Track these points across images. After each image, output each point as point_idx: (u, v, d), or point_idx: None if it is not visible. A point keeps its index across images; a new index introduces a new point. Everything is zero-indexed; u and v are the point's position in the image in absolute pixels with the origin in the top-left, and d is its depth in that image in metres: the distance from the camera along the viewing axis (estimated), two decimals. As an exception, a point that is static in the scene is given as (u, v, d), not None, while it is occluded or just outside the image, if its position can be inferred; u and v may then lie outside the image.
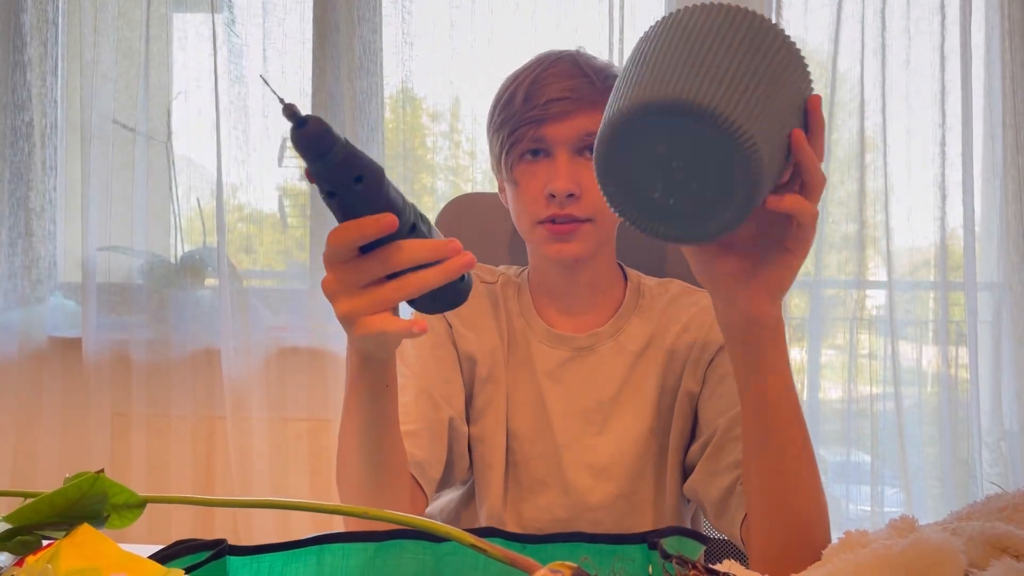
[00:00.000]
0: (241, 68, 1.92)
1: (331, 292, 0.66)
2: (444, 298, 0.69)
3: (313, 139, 0.59)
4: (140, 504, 0.63)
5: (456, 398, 1.04)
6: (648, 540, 0.60)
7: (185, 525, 1.88)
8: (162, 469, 1.92)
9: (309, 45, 1.93)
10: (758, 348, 0.77)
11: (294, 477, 1.91)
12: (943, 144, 1.84)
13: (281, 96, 0.60)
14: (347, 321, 0.66)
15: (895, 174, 1.87)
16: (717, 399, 1.00)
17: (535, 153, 1.00)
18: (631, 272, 1.13)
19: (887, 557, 0.67)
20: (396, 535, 0.62)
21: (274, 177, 2.02)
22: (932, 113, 1.86)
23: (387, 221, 0.61)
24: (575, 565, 0.53)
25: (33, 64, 1.94)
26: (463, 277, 0.68)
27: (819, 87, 1.91)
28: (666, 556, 0.57)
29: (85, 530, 0.57)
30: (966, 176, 1.84)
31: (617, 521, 1.03)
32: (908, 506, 1.86)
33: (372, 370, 0.75)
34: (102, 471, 0.60)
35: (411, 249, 0.63)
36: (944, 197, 1.85)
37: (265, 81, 0.63)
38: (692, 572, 0.54)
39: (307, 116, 0.59)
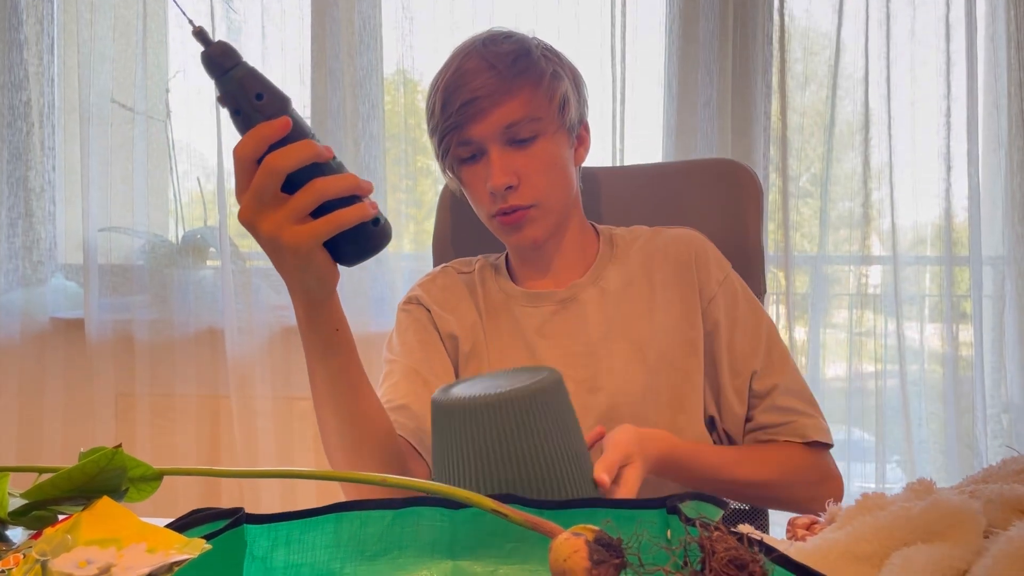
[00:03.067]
0: (240, 44, 1.89)
1: (248, 218, 0.69)
2: (364, 242, 0.71)
3: (217, 56, 0.65)
4: (157, 477, 0.63)
5: (446, 374, 1.07)
6: (667, 505, 0.60)
7: (192, 501, 1.88)
8: (167, 449, 1.92)
9: (308, 21, 1.91)
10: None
11: (299, 455, 1.91)
12: (948, 115, 1.83)
13: (191, 19, 0.63)
14: (273, 240, 0.69)
15: (899, 146, 1.85)
16: (741, 336, 1.06)
17: (472, 156, 1.03)
18: (601, 227, 1.16)
19: (906, 519, 0.66)
20: (413, 502, 0.62)
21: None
22: (937, 84, 1.84)
23: (281, 123, 0.65)
24: (597, 528, 0.52)
25: (29, 43, 1.91)
26: (377, 220, 0.71)
27: (823, 58, 1.89)
28: (688, 521, 0.57)
29: (105, 503, 0.57)
30: (971, 147, 1.82)
31: None
32: (911, 477, 1.86)
33: (318, 315, 0.77)
34: (119, 446, 0.60)
35: (330, 182, 0.67)
36: (949, 169, 1.84)
37: (176, 3, 0.67)
38: (715, 534, 0.54)
39: (217, 40, 0.65)
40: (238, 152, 0.67)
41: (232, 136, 1.88)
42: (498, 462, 0.70)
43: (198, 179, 1.99)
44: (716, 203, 1.23)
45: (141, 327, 1.89)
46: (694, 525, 0.56)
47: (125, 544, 0.54)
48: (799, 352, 1.88)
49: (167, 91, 1.96)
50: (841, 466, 1.96)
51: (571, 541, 0.51)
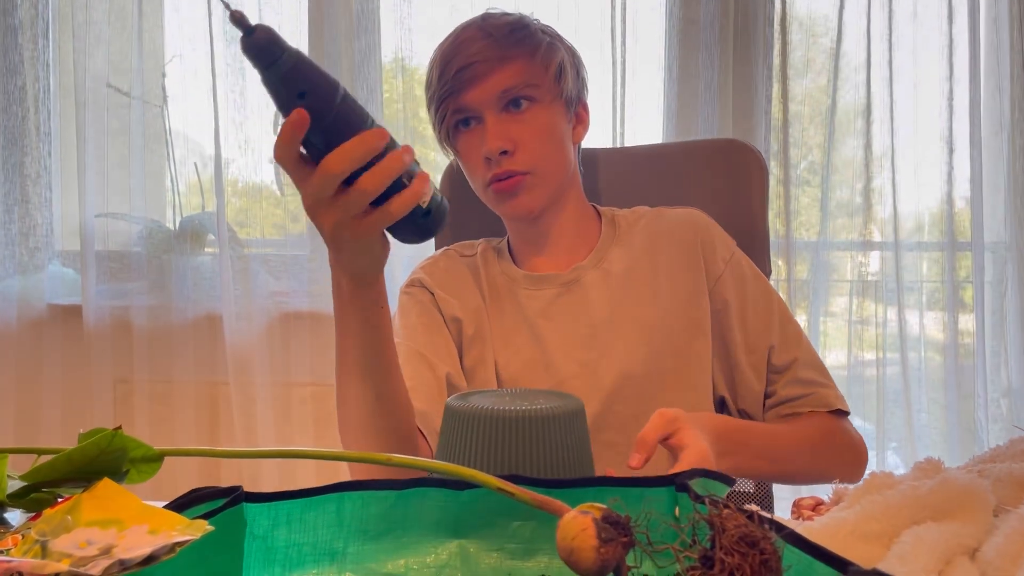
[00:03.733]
0: (236, 29, 1.87)
1: (310, 214, 0.71)
2: (420, 225, 0.72)
3: (258, 46, 0.62)
4: (158, 458, 0.62)
5: (450, 356, 1.07)
6: (676, 482, 0.59)
7: (191, 484, 1.87)
8: (166, 436, 1.91)
9: (305, 4, 1.89)
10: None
11: (299, 441, 1.90)
12: (950, 98, 1.82)
13: (227, 1, 0.61)
14: (336, 237, 0.71)
15: (901, 130, 1.84)
16: (753, 313, 1.06)
17: (467, 123, 1.04)
18: (603, 209, 1.16)
19: (914, 498, 0.66)
20: (418, 483, 0.61)
21: (271, 144, 1.98)
22: (939, 66, 1.83)
23: (373, 141, 0.66)
24: (604, 507, 0.52)
25: (24, 27, 1.90)
26: (429, 211, 0.71)
27: (825, 40, 1.88)
28: (697, 498, 0.56)
29: (106, 484, 0.56)
30: (974, 130, 1.81)
31: (630, 440, 1.04)
32: (910, 460, 1.85)
33: (364, 292, 0.78)
34: (119, 428, 0.59)
35: (376, 178, 0.67)
36: (951, 152, 1.83)
37: None
38: (725, 511, 0.53)
39: (256, 25, 0.59)
40: (279, 155, 0.69)
41: (228, 122, 1.87)
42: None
43: (195, 164, 1.97)
44: (720, 184, 1.22)
45: (139, 313, 1.88)
46: (703, 502, 0.56)
47: (126, 525, 0.53)
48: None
49: (163, 76, 1.94)
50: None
51: (578, 519, 0.50)
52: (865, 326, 1.92)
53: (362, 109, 0.68)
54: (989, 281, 1.88)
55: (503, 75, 1.00)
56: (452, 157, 1.13)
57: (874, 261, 1.91)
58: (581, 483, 0.58)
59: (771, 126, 1.86)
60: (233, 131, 1.88)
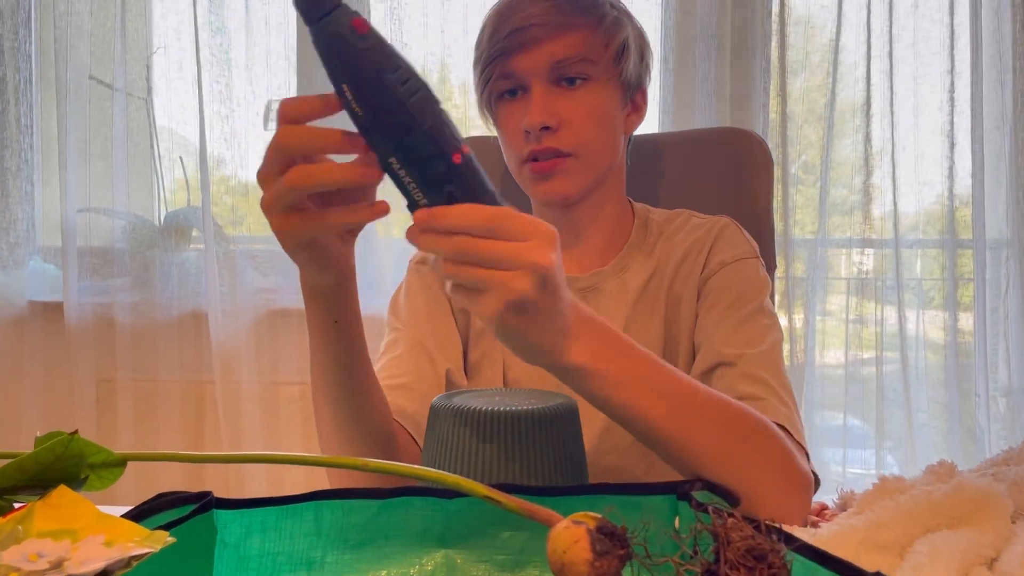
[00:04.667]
0: (222, 18, 1.83)
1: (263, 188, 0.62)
2: None
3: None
4: (120, 463, 0.58)
5: (452, 351, 1.00)
6: (678, 491, 0.56)
7: (175, 486, 1.83)
8: (150, 436, 1.87)
9: (293, -6, 1.85)
10: (594, 391, 0.65)
11: (286, 441, 1.86)
12: (952, 91, 1.79)
13: None
14: (275, 229, 0.62)
15: (902, 124, 1.81)
16: (704, 326, 0.96)
17: (512, 92, 0.95)
18: (639, 207, 1.07)
19: (928, 503, 0.62)
20: (402, 492, 0.58)
21: (260, 137, 1.94)
22: (941, 59, 1.80)
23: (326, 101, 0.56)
24: (599, 516, 0.48)
25: (4, 17, 1.85)
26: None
27: (824, 31, 1.85)
28: (699, 507, 0.53)
29: (61, 492, 0.53)
30: (975, 124, 1.78)
31: (632, 465, 0.98)
32: (912, 466, 1.83)
33: (318, 302, 0.71)
34: (76, 432, 0.55)
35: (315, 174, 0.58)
36: (952, 146, 1.80)
37: None
38: (730, 521, 0.50)
39: None
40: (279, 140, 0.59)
41: (214, 115, 1.82)
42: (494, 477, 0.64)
43: (180, 158, 1.93)
44: (724, 174, 1.17)
45: (122, 311, 1.84)
46: (706, 511, 0.52)
47: (81, 536, 0.49)
48: (797, 337, 1.83)
49: (148, 67, 1.90)
50: (837, 453, 1.95)
51: (571, 530, 0.47)
52: (863, 325, 1.89)
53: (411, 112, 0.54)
54: (990, 278, 1.85)
55: (559, 44, 0.91)
56: (491, 127, 1.03)
57: (873, 258, 1.88)
58: (574, 491, 0.54)
59: (768, 120, 1.82)
60: (219, 124, 1.84)
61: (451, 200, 0.55)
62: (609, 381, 0.63)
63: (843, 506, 0.76)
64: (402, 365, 0.95)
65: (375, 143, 0.55)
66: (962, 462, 1.83)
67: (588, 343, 0.62)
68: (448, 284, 0.59)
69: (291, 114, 0.58)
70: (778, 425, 0.78)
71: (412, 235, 0.57)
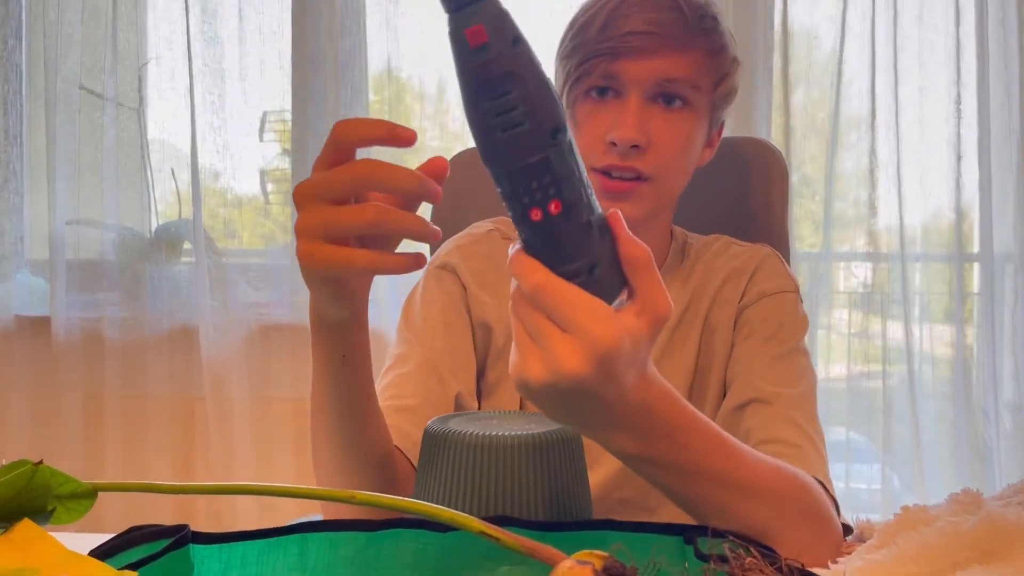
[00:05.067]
0: (215, 28, 1.80)
1: (296, 199, 0.58)
2: None
3: None
4: (89, 494, 0.54)
5: (466, 371, 0.94)
6: (684, 535, 0.52)
7: (164, 512, 1.79)
8: (139, 454, 1.83)
9: (288, 2, 1.82)
10: (641, 472, 0.60)
11: (279, 459, 1.82)
12: (958, 102, 1.76)
13: None
14: (298, 244, 0.58)
15: (907, 135, 1.78)
16: (739, 358, 0.92)
17: (603, 92, 0.88)
18: (677, 231, 1.02)
19: (955, 536, 0.58)
20: (393, 524, 0.54)
21: (253, 149, 1.91)
22: (947, 70, 1.77)
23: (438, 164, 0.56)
24: (606, 555, 0.44)
25: (-7, 26, 1.82)
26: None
27: (828, 42, 1.82)
28: (703, 557, 0.49)
29: (25, 527, 0.49)
30: (982, 136, 1.75)
31: (646, 499, 0.93)
32: (919, 483, 1.79)
33: (327, 334, 0.66)
34: (41, 462, 0.51)
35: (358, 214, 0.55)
36: (959, 158, 1.76)
37: None
38: (748, 560, 0.46)
39: None
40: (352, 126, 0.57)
41: (206, 126, 1.79)
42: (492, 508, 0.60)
43: (172, 170, 1.89)
44: (737, 184, 1.13)
45: (111, 325, 1.80)
46: (707, 560, 0.48)
47: (45, 575, 0.45)
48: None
49: (140, 77, 1.86)
50: (841, 467, 1.91)
51: (575, 570, 0.43)
52: (868, 339, 1.85)
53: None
54: (996, 292, 1.82)
55: (675, 62, 0.85)
56: (568, 119, 0.96)
57: (878, 272, 1.84)
58: (579, 526, 0.50)
59: (772, 133, 1.79)
60: (211, 135, 1.81)
61: (533, 245, 0.50)
62: (660, 468, 0.58)
63: (860, 537, 0.72)
64: (409, 384, 0.89)
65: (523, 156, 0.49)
66: (971, 480, 1.80)
67: (641, 433, 0.55)
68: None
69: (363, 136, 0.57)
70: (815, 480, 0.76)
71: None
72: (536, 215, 0.48)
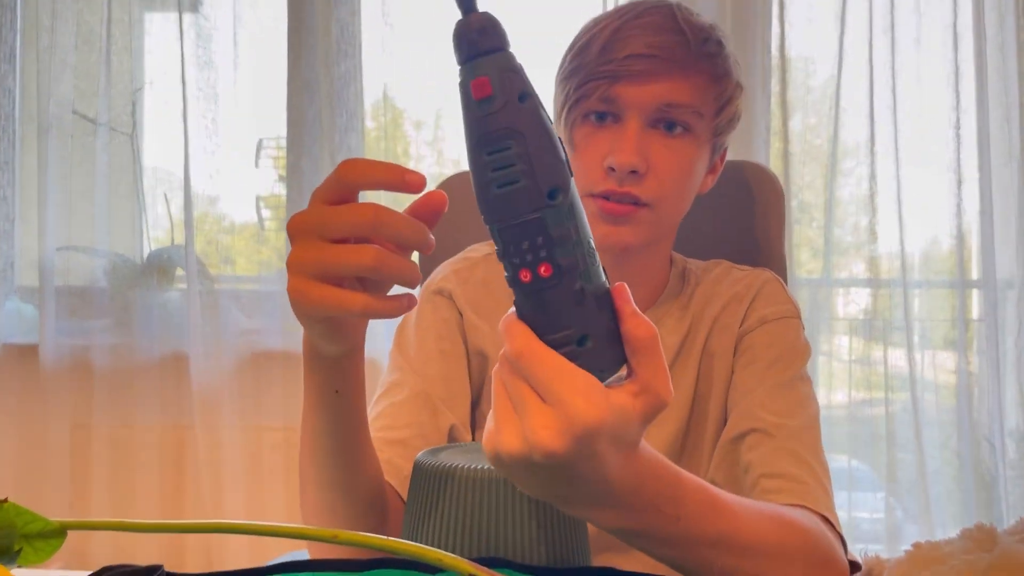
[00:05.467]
0: (210, 52, 1.79)
1: (290, 232, 0.56)
2: None
3: (468, 33, 0.45)
4: (58, 533, 0.51)
5: (460, 402, 0.91)
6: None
7: (151, 546, 1.75)
8: (126, 485, 1.79)
9: (283, 28, 1.81)
10: (633, 545, 0.57)
11: (269, 489, 1.78)
12: (957, 127, 1.75)
13: None
14: (290, 282, 0.55)
15: (907, 160, 1.77)
16: (739, 386, 0.89)
17: (602, 117, 0.86)
18: (677, 256, 1.00)
19: (971, 574, 0.55)
20: (379, 564, 0.51)
21: (247, 175, 1.90)
22: (945, 94, 1.76)
23: (439, 198, 0.55)
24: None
25: (-13, 52, 1.81)
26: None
27: (826, 68, 1.81)
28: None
29: (-11, 569, 0.46)
30: (983, 161, 1.74)
31: None
32: (923, 512, 1.76)
33: (320, 368, 0.63)
34: (6, 500, 0.48)
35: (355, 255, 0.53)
36: (960, 183, 1.75)
37: None
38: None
39: (483, 12, 0.45)
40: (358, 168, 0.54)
41: (199, 150, 1.78)
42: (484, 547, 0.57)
43: (165, 195, 1.88)
44: (733, 208, 1.11)
45: (100, 353, 1.77)
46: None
47: (5, 621, 0.43)
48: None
49: (133, 102, 1.85)
50: (844, 496, 1.87)
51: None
52: (870, 366, 1.82)
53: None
54: (1000, 319, 1.80)
55: (676, 86, 0.83)
56: (566, 142, 0.93)
57: (879, 298, 1.82)
58: (579, 573, 0.47)
59: (770, 158, 1.78)
60: (205, 160, 1.79)
61: (523, 308, 0.48)
62: (654, 540, 0.55)
63: (869, 574, 0.69)
64: (402, 416, 0.87)
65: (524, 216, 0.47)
66: (976, 510, 1.76)
67: (628, 510, 0.52)
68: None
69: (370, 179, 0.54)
70: (818, 515, 0.74)
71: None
72: (526, 276, 0.46)
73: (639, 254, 0.91)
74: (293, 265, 0.54)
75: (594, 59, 0.85)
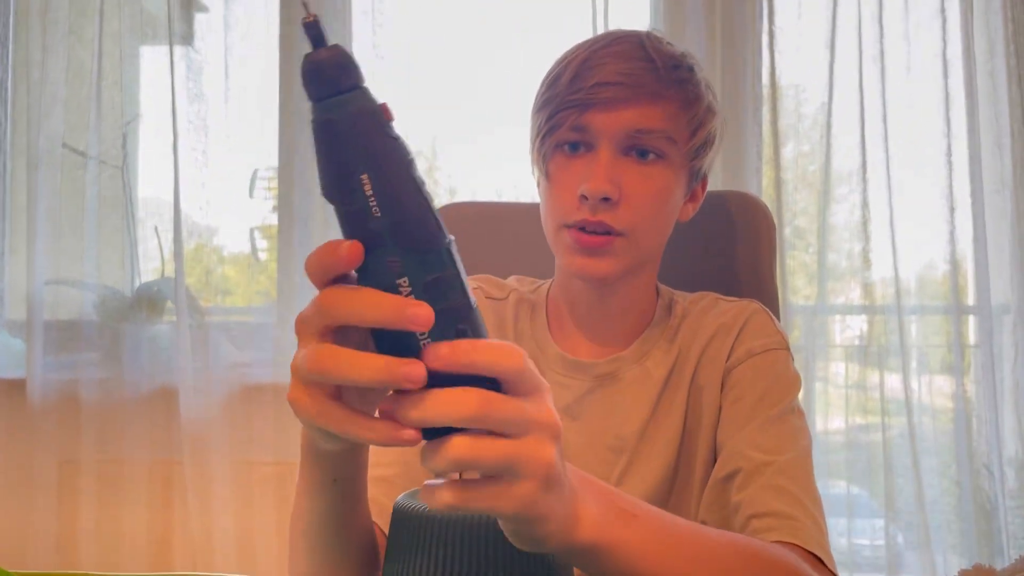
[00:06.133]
0: (200, 85, 1.79)
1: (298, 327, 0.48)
2: None
3: (321, 69, 0.42)
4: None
5: None
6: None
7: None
8: (114, 521, 1.76)
9: (274, 60, 1.82)
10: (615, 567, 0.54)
11: (259, 524, 1.75)
12: (949, 154, 1.75)
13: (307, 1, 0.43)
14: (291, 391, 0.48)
15: (899, 188, 1.76)
16: (728, 423, 0.88)
17: (574, 147, 0.86)
18: (664, 289, 0.99)
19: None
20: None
21: (238, 206, 1.89)
22: (936, 122, 1.76)
23: (351, 250, 0.42)
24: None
25: (-23, 86, 1.81)
26: None
27: (816, 94, 1.81)
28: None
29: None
30: (975, 188, 1.74)
31: None
32: (923, 540, 1.73)
33: (318, 462, 0.60)
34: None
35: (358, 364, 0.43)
36: (952, 210, 1.75)
37: None
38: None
39: (335, 45, 0.43)
40: (307, 263, 0.46)
41: (189, 182, 1.77)
42: None
43: (155, 228, 1.86)
44: (725, 238, 1.10)
45: (88, 387, 1.75)
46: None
47: None
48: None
49: (124, 134, 1.85)
50: (843, 523, 1.84)
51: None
52: (866, 391, 1.81)
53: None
54: (996, 346, 1.78)
55: (645, 112, 0.83)
56: (535, 175, 0.94)
57: (874, 324, 1.81)
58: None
59: (763, 187, 1.78)
60: (195, 192, 1.78)
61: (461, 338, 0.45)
62: (632, 553, 0.53)
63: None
64: (388, 452, 0.84)
65: (382, 259, 0.43)
66: (976, 539, 1.73)
67: (597, 512, 0.51)
68: (446, 493, 0.47)
69: (319, 269, 0.45)
70: (810, 553, 0.72)
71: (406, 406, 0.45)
72: (472, 291, 0.47)
73: (621, 284, 0.90)
74: (293, 370, 0.47)
75: (564, 89, 0.85)
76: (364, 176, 0.42)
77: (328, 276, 0.45)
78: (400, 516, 0.59)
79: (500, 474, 0.45)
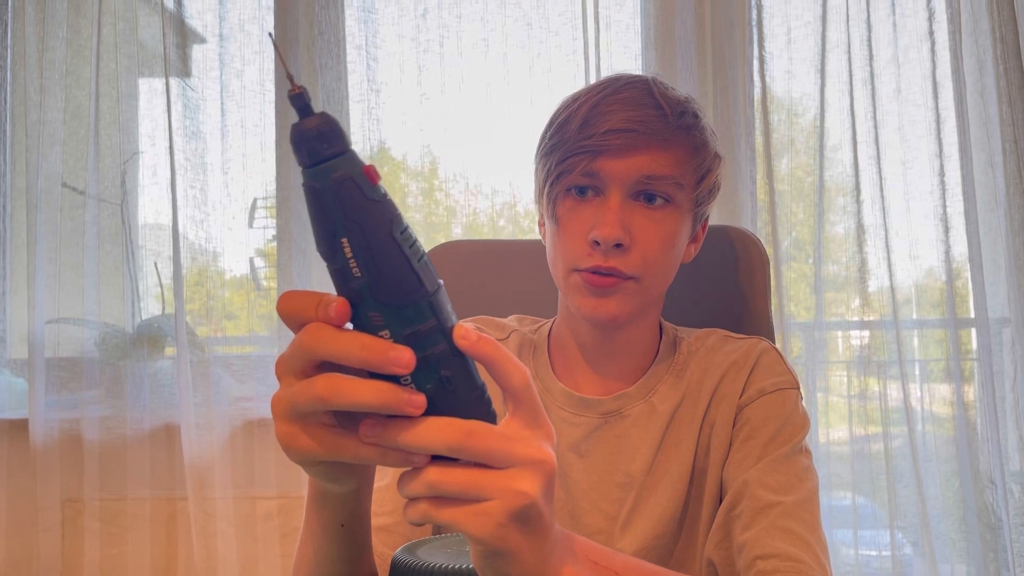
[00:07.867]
0: (197, 123, 1.81)
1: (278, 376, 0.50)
2: None
3: (306, 138, 0.44)
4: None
5: None
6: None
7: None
8: (118, 559, 1.76)
9: (270, 96, 1.83)
10: None
11: (264, 560, 1.75)
12: (942, 175, 1.76)
13: (292, 74, 0.46)
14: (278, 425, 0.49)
15: (893, 208, 1.78)
16: (737, 460, 0.88)
17: (583, 191, 0.87)
18: (667, 325, 0.99)
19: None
20: None
21: (236, 242, 1.89)
22: (928, 143, 1.77)
23: (339, 307, 0.44)
24: None
25: (-24, 129, 1.83)
26: None
27: (807, 118, 1.83)
28: None
29: None
30: (968, 207, 1.75)
31: None
32: (928, 549, 1.73)
33: (325, 508, 0.60)
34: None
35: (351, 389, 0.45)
36: (947, 230, 1.76)
37: (275, 44, 0.47)
38: None
39: (320, 113, 0.45)
40: (282, 309, 0.47)
41: (188, 220, 1.78)
42: None
43: (155, 264, 1.87)
44: (717, 276, 1.12)
45: (91, 425, 1.75)
46: None
47: None
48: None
49: (123, 173, 1.86)
50: (849, 534, 1.84)
51: None
52: (867, 400, 1.81)
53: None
54: (996, 360, 1.79)
55: (656, 159, 0.85)
56: (539, 216, 0.96)
57: (872, 339, 1.82)
58: None
59: (757, 206, 1.79)
60: (193, 229, 1.80)
61: (445, 386, 0.47)
62: None
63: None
64: (386, 502, 0.85)
65: (364, 313, 0.46)
66: (981, 549, 1.73)
67: (575, 571, 0.52)
68: (422, 502, 0.48)
69: (296, 317, 0.47)
70: None
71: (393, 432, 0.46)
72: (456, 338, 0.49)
73: (627, 325, 0.91)
74: (275, 410, 0.48)
75: (574, 135, 0.86)
76: (344, 240, 0.45)
77: (304, 324, 0.47)
78: (398, 571, 0.60)
79: (468, 498, 0.47)
